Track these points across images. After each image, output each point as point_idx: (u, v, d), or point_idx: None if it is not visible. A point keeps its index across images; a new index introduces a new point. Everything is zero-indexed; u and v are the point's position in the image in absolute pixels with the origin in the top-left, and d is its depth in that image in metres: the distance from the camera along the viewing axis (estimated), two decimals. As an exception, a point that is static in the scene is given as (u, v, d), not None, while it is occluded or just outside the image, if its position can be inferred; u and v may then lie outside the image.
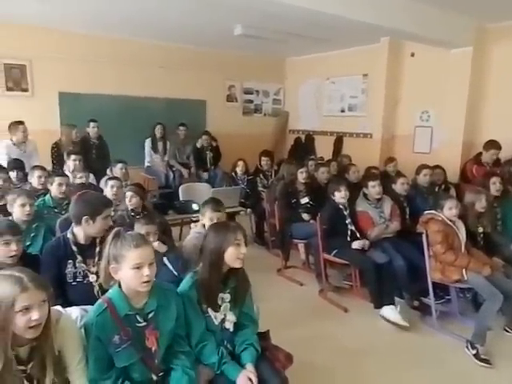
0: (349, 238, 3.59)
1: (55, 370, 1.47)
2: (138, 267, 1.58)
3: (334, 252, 3.61)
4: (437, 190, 4.55)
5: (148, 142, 6.39)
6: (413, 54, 6.12)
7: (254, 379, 1.72)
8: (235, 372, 1.77)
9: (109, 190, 3.58)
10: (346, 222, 3.63)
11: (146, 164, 6.41)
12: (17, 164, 4.22)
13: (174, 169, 6.37)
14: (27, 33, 5.58)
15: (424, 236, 3.19)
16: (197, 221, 3.30)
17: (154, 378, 1.68)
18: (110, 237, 1.68)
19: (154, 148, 6.36)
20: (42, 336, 1.43)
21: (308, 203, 4.40)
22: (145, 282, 1.59)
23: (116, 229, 1.72)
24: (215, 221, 2.56)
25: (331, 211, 3.66)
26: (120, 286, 1.66)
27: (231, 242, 1.85)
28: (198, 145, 6.59)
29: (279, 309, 3.22)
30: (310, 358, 2.68)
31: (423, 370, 2.74)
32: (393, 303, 3.30)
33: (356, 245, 3.52)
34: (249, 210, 5.16)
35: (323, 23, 4.74)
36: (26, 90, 5.79)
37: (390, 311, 3.25)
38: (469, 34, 5.07)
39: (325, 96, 7.52)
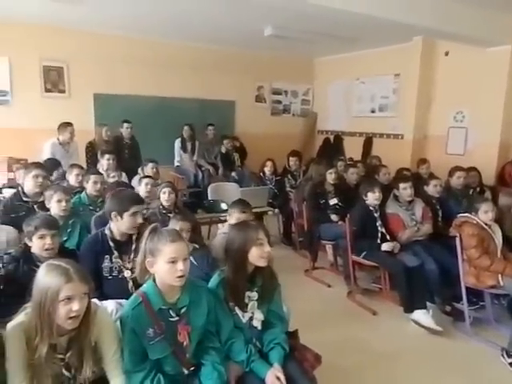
0: (379, 241, 3.54)
1: (92, 360, 1.53)
2: (173, 261, 1.62)
3: (364, 254, 3.57)
4: (471, 192, 4.42)
5: (178, 142, 6.51)
6: (447, 53, 5.98)
7: (282, 378, 1.73)
8: (264, 370, 1.78)
9: (143, 188, 3.67)
10: (377, 224, 3.57)
11: (176, 163, 6.53)
12: (56, 164, 4.36)
13: (202, 168, 6.47)
14: (65, 36, 5.80)
15: (457, 239, 3.10)
16: (225, 220, 3.35)
17: (185, 372, 1.71)
18: (147, 231, 1.74)
19: (184, 148, 6.48)
20: (81, 327, 1.50)
21: (337, 204, 4.36)
22: (179, 277, 1.63)
23: (153, 224, 1.78)
24: (242, 221, 2.58)
25: (361, 213, 3.62)
26: (154, 280, 1.70)
27: (253, 241, 1.86)
28: (223, 150, 6.68)
29: (307, 310, 3.20)
30: (337, 359, 2.65)
31: (455, 377, 2.67)
32: (424, 307, 3.22)
33: (386, 247, 3.46)
34: (276, 210, 5.17)
35: (354, 23, 4.70)
36: (63, 92, 6.02)
37: (422, 315, 3.17)
38: (507, 32, 4.90)
39: (354, 96, 7.44)
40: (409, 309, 3.26)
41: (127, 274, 2.28)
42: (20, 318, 1.50)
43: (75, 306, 1.43)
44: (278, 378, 1.73)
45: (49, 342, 1.45)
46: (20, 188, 3.33)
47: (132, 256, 2.31)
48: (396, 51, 6.51)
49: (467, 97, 5.69)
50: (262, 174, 5.62)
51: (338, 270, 4.39)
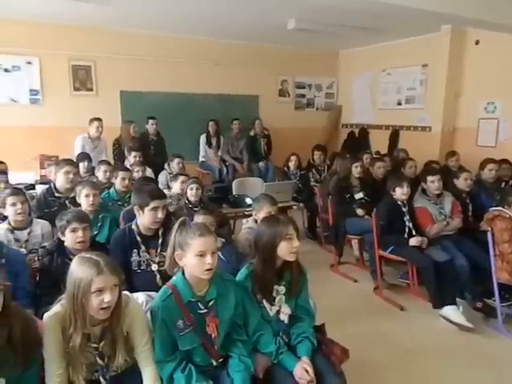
0: (406, 235, 3.47)
1: (124, 349, 1.58)
2: (201, 255, 1.65)
3: (391, 249, 3.52)
4: (504, 185, 4.27)
5: (203, 138, 6.57)
6: (477, 42, 5.77)
7: (311, 371, 1.73)
8: (292, 362, 1.79)
9: (178, 185, 3.74)
10: (404, 218, 3.51)
11: (201, 159, 6.59)
12: (85, 156, 4.49)
13: (227, 163, 6.51)
14: (92, 35, 5.92)
15: (489, 234, 3.02)
16: (250, 215, 3.36)
17: (214, 363, 1.74)
18: (176, 225, 1.77)
19: (209, 143, 6.53)
20: (113, 317, 1.55)
21: (363, 198, 4.30)
22: (207, 270, 1.65)
23: (182, 218, 1.80)
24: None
25: (389, 207, 3.55)
26: (183, 273, 1.73)
27: (283, 236, 1.86)
28: (252, 133, 6.73)
29: (333, 305, 3.19)
30: (364, 355, 2.62)
31: (486, 375, 2.60)
32: (454, 303, 3.15)
33: (413, 242, 3.39)
34: (301, 204, 5.14)
35: (379, 13, 4.59)
36: (90, 90, 6.16)
37: (452, 311, 3.10)
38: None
39: (380, 88, 7.30)
40: (438, 304, 3.20)
41: (154, 267, 2.33)
42: (56, 308, 1.57)
43: (107, 297, 1.48)
44: (307, 371, 1.73)
45: (82, 332, 1.51)
46: (52, 184, 3.43)
47: (159, 250, 2.35)
48: (424, 41, 6.34)
49: (499, 87, 5.48)
50: (286, 168, 5.60)
51: (363, 264, 4.34)
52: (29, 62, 5.71)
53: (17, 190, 2.78)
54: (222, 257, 2.63)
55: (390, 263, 3.93)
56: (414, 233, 3.48)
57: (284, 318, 1.93)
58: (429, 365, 2.70)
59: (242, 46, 6.95)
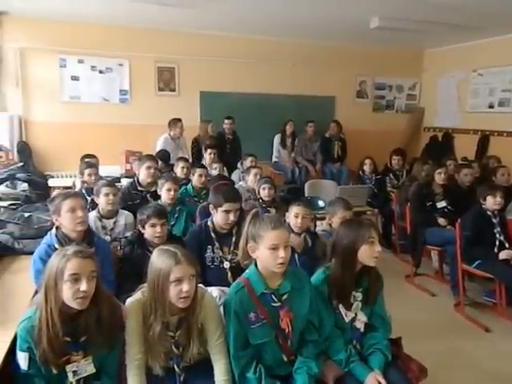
0: (496, 249, 3.17)
1: (198, 340, 1.62)
2: (274, 248, 1.63)
3: (476, 263, 3.24)
4: None
5: (277, 138, 6.58)
6: None
7: (384, 383, 1.63)
8: (364, 373, 1.71)
9: (252, 177, 3.80)
10: (495, 230, 3.21)
11: (274, 159, 6.61)
12: (165, 155, 4.73)
13: (300, 165, 6.45)
14: (176, 38, 6.22)
15: None
16: (322, 218, 3.29)
17: (285, 359, 1.71)
18: (249, 217, 1.77)
19: (283, 144, 6.52)
20: (190, 308, 1.59)
21: (446, 207, 4.01)
22: (280, 264, 1.62)
23: (254, 210, 1.80)
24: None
25: (477, 217, 3.28)
26: (256, 266, 1.72)
27: (365, 239, 1.79)
28: (327, 134, 6.63)
29: (408, 318, 3.00)
30: (441, 375, 2.44)
31: None
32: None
33: (504, 255, 3.10)
34: (376, 210, 4.93)
35: (473, 9, 4.26)
36: (173, 90, 6.47)
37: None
38: None
39: (469, 90, 6.75)
40: (531, 329, 2.87)
41: (226, 265, 2.37)
42: (137, 295, 1.65)
43: (185, 286, 1.53)
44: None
45: (162, 320, 1.56)
46: (136, 178, 3.66)
47: (232, 248, 2.39)
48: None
49: None
50: (361, 172, 5.41)
51: (443, 278, 4.04)
52: (120, 64, 6.15)
53: (111, 182, 3.00)
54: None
55: (474, 279, 3.63)
56: (507, 246, 3.16)
57: (360, 325, 1.85)
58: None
59: (320, 46, 6.84)
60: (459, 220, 3.37)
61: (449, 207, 4.01)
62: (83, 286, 1.43)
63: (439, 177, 4.09)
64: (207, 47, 6.38)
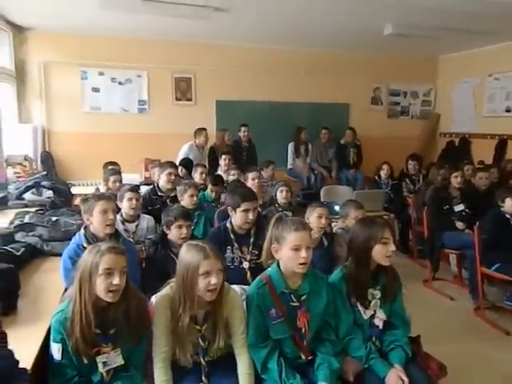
0: (515, 252, 3.15)
1: (223, 334, 1.68)
2: (296, 249, 1.69)
3: (496, 266, 3.22)
4: None
5: (291, 146, 6.64)
6: None
7: (406, 380, 1.66)
8: (384, 369, 1.73)
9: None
10: (514, 233, 3.19)
11: (289, 166, 6.66)
12: (188, 163, 4.83)
13: (315, 172, 6.50)
14: (192, 49, 6.37)
15: None
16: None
17: (303, 357, 1.76)
18: (273, 220, 1.84)
19: (297, 152, 6.58)
20: (216, 302, 1.66)
21: (463, 211, 3.99)
22: (301, 264, 1.68)
23: (278, 213, 1.87)
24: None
25: (495, 220, 3.28)
26: (279, 266, 1.78)
27: (378, 239, 1.82)
28: (342, 141, 6.66)
29: (427, 322, 2.99)
30: (461, 378, 2.41)
31: None
32: None
33: (524, 259, 3.06)
34: (392, 215, 4.93)
35: (489, 13, 4.27)
36: (190, 100, 6.61)
37: None
38: None
39: (486, 95, 6.71)
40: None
41: (246, 265, 2.43)
42: (165, 290, 1.72)
43: (213, 279, 1.60)
44: (402, 380, 1.66)
45: (190, 314, 1.63)
46: (156, 184, 3.76)
47: (250, 248, 2.45)
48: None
49: None
50: (377, 177, 5.42)
51: (462, 282, 4.01)
52: (139, 76, 6.32)
53: (134, 188, 3.11)
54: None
55: (494, 283, 3.59)
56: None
57: (379, 323, 1.87)
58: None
59: (334, 53, 6.91)
60: (477, 223, 3.36)
61: (466, 210, 3.99)
62: (116, 280, 1.51)
63: (455, 180, 4.08)
64: (222, 57, 6.52)
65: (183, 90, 6.58)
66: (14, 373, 1.34)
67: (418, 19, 4.97)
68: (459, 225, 3.89)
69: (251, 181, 3.85)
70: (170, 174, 3.64)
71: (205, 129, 5.65)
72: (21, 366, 1.39)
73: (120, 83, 6.26)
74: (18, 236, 2.72)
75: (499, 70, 6.44)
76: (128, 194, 2.93)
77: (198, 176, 4.21)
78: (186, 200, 3.20)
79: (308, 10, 4.73)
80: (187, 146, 5.57)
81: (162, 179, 3.68)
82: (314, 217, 2.60)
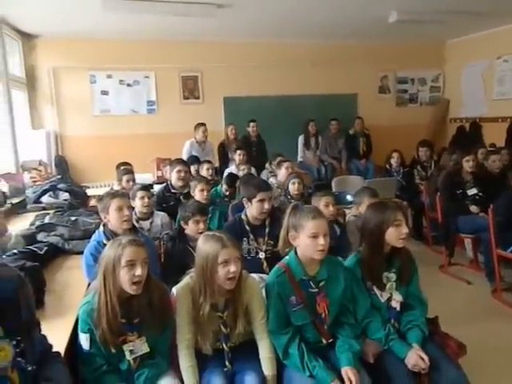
0: (531, 233, 3.13)
1: (244, 320, 1.73)
2: (314, 236, 1.72)
3: (512, 247, 3.20)
4: None
5: (301, 139, 6.65)
6: None
7: (426, 358, 1.68)
8: (403, 349, 1.76)
9: (284, 171, 3.91)
10: (528, 213, 3.17)
11: (299, 159, 6.68)
12: (195, 160, 4.90)
13: (325, 163, 6.50)
14: (198, 47, 6.41)
15: None
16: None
17: (324, 341, 1.80)
18: (289, 208, 1.88)
19: (307, 144, 6.59)
20: (236, 289, 1.70)
21: (477, 194, 3.97)
22: (320, 251, 1.72)
23: (294, 203, 1.90)
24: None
25: (509, 202, 3.25)
26: (296, 253, 1.82)
27: (391, 222, 1.84)
28: (351, 131, 6.66)
29: (445, 306, 2.96)
30: (482, 359, 2.42)
31: None
32: None
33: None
34: (405, 203, 4.91)
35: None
36: (197, 98, 6.66)
37: None
38: None
39: (495, 77, 6.63)
40: None
41: (262, 255, 2.47)
42: (186, 280, 1.78)
43: (232, 268, 1.65)
44: (422, 359, 1.69)
45: (210, 302, 1.68)
46: (169, 182, 3.82)
47: (266, 239, 2.49)
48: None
49: None
50: (388, 165, 5.41)
51: (478, 266, 4.00)
52: (146, 77, 6.40)
53: (146, 187, 3.20)
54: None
55: (510, 265, 3.57)
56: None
57: (396, 305, 1.90)
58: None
59: (339, 44, 6.88)
60: (491, 206, 3.35)
61: (480, 194, 3.96)
62: (138, 271, 1.57)
63: (467, 164, 4.04)
64: (227, 54, 6.54)
65: (190, 88, 6.63)
66: (48, 354, 1.41)
67: (422, 4, 4.94)
68: (473, 208, 3.87)
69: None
70: (179, 171, 3.69)
71: (203, 124, 5.63)
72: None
73: (128, 85, 6.34)
74: (40, 236, 2.81)
75: (508, 52, 6.35)
76: (140, 193, 3.00)
77: (204, 172, 4.28)
78: (198, 195, 3.27)
79: (311, 1, 4.73)
80: (189, 143, 5.62)
81: (173, 177, 3.74)
82: (321, 206, 2.63)
